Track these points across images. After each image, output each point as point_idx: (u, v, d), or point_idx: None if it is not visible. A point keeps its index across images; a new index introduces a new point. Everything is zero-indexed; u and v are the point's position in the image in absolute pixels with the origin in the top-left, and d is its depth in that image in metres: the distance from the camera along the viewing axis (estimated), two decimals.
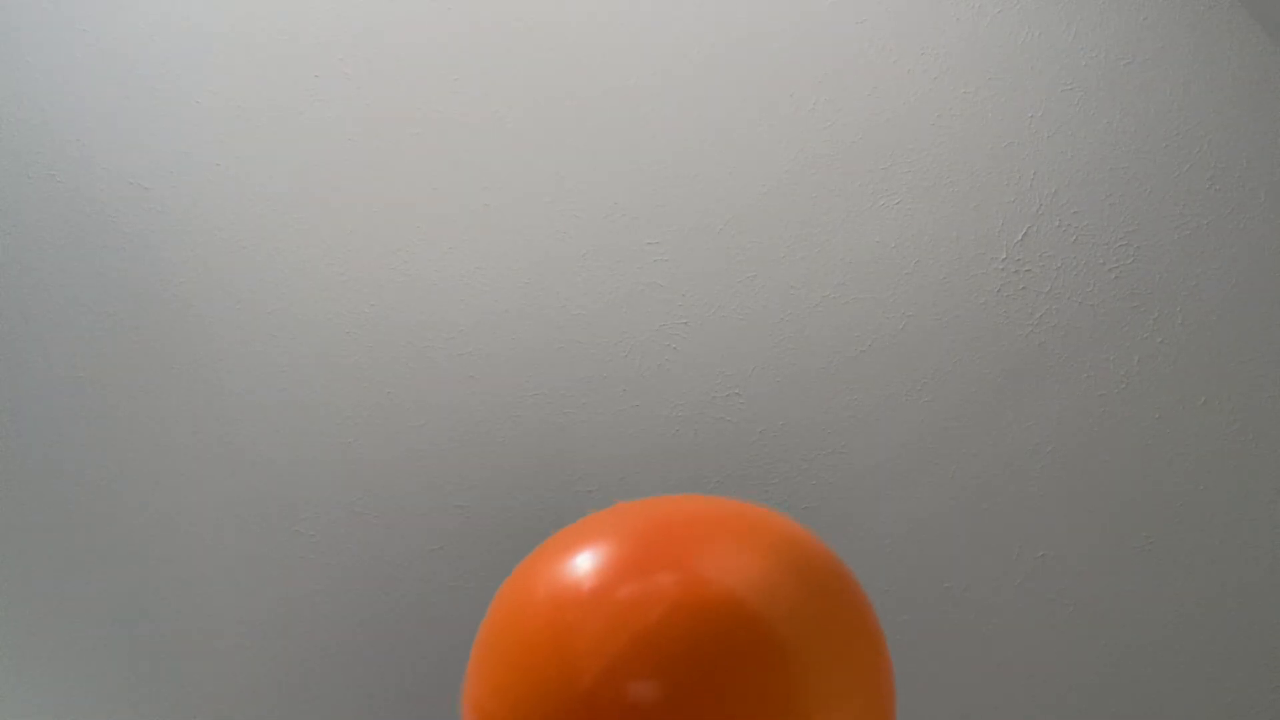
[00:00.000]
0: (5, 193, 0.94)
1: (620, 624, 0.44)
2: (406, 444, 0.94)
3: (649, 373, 0.93)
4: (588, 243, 0.93)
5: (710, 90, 0.93)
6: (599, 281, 0.94)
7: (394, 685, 0.94)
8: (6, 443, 0.94)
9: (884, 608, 0.91)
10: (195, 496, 0.94)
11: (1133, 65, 0.91)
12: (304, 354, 0.94)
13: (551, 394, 0.94)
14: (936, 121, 0.92)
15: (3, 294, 0.94)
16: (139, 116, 0.94)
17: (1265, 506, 0.90)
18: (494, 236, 0.94)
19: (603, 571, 0.47)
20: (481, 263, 0.94)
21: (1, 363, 0.94)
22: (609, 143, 0.94)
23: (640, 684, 0.43)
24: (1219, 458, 0.90)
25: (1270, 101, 0.90)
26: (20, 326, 0.94)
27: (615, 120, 0.94)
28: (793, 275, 0.93)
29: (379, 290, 0.94)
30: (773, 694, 0.44)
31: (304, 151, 0.94)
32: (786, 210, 0.93)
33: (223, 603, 0.94)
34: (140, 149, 0.94)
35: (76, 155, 0.94)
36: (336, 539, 0.94)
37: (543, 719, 0.45)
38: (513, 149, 0.94)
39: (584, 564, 0.48)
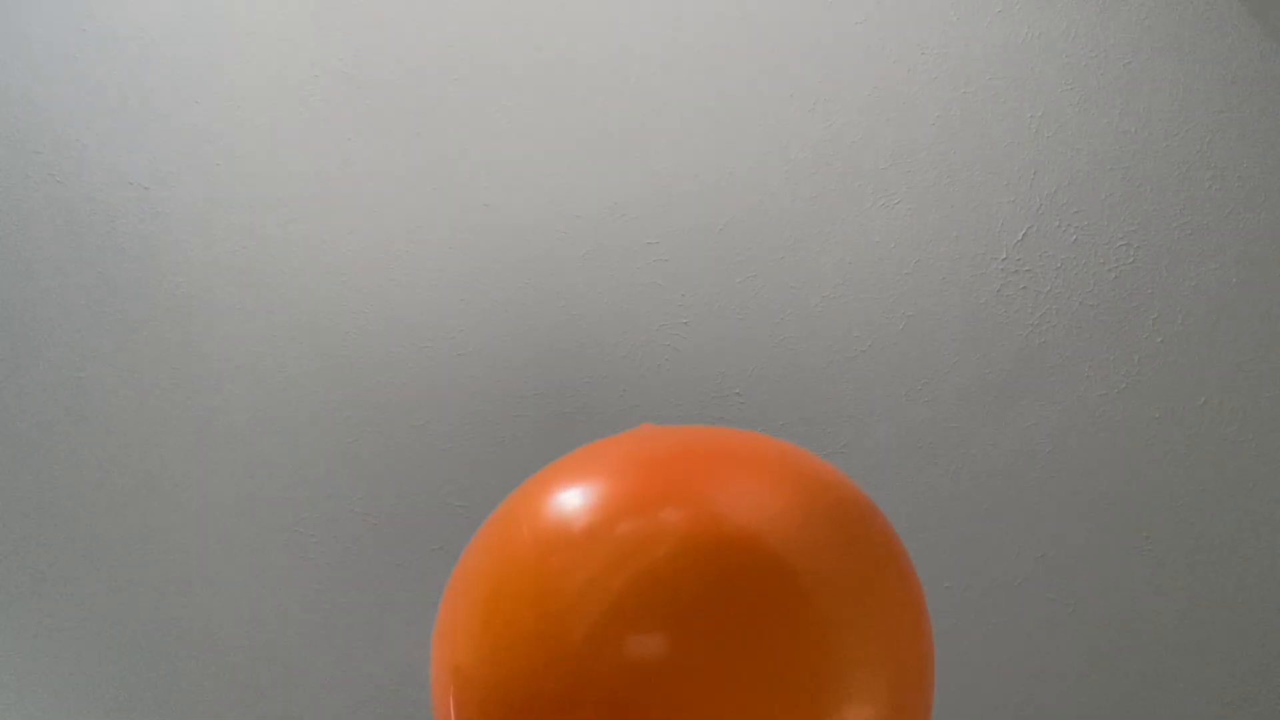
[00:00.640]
0: (5, 193, 0.94)
1: (617, 565, 0.38)
2: (406, 444, 0.94)
3: (649, 373, 0.93)
4: (588, 243, 0.93)
5: (710, 90, 0.93)
6: (599, 281, 0.94)
7: (394, 685, 0.94)
8: (6, 443, 0.94)
9: None
10: (195, 496, 0.94)
11: (1133, 65, 0.91)
12: (304, 354, 0.94)
13: (551, 394, 0.94)
14: (936, 121, 0.92)
15: (2, 294, 0.94)
16: (139, 116, 0.94)
17: (1265, 506, 0.90)
18: (494, 236, 0.94)
19: (598, 506, 0.40)
20: (481, 263, 0.94)
21: (1, 362, 0.94)
22: (609, 143, 0.94)
23: (641, 635, 0.37)
24: (1219, 458, 0.90)
25: (1270, 101, 0.90)
26: (20, 326, 0.94)
27: (615, 120, 0.94)
28: (793, 275, 0.93)
29: (379, 290, 0.94)
30: (796, 647, 0.39)
31: (304, 152, 0.94)
32: (786, 210, 0.93)
33: (222, 602, 0.94)
34: (140, 149, 0.94)
35: (76, 155, 0.94)
36: (336, 539, 0.94)
37: (528, 677, 0.38)
38: (513, 149, 0.94)
39: (576, 498, 0.41)
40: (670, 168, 0.93)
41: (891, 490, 0.93)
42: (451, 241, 0.94)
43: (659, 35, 0.93)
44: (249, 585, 0.94)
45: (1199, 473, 0.91)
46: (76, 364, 0.94)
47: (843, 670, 0.39)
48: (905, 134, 0.92)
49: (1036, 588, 0.92)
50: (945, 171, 0.92)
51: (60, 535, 0.94)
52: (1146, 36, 0.91)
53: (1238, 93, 0.90)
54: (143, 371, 0.94)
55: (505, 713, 0.39)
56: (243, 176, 0.94)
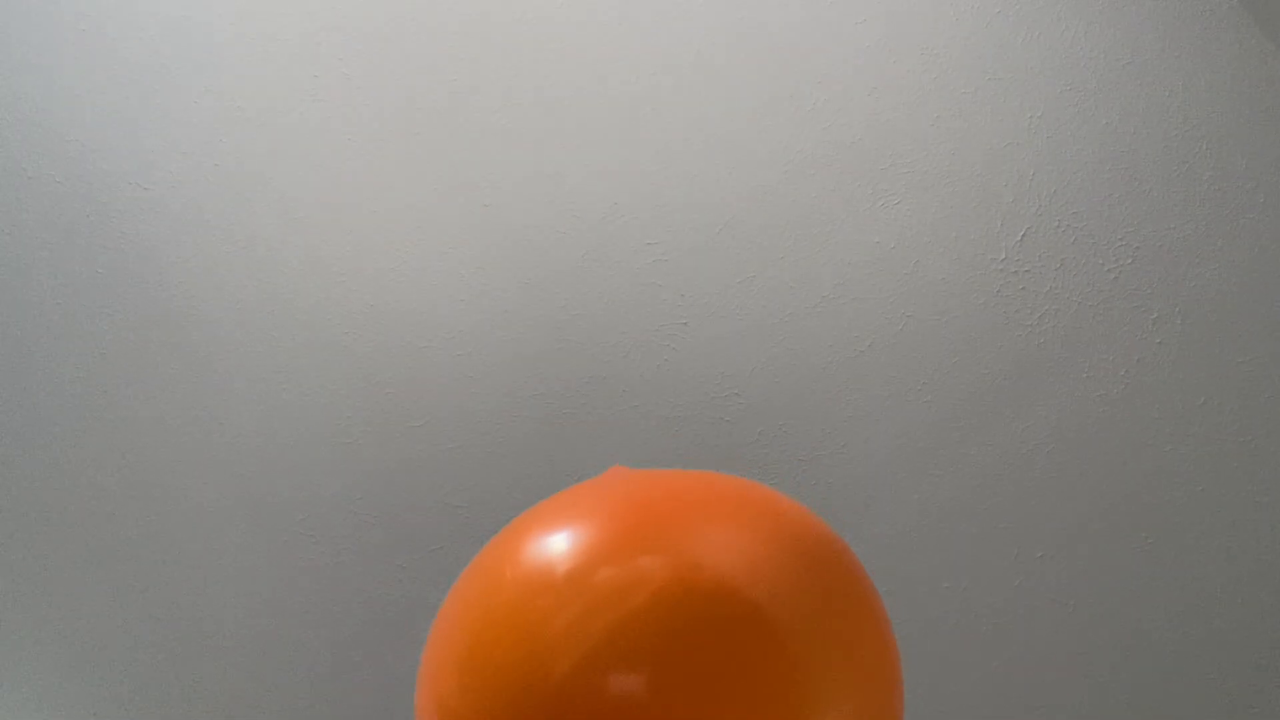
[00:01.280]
0: (5, 193, 0.94)
1: (597, 610, 0.39)
2: (406, 444, 0.94)
3: (649, 373, 0.93)
4: (588, 243, 0.93)
5: (710, 91, 0.93)
6: (599, 281, 0.94)
7: (394, 686, 0.94)
8: (7, 442, 0.94)
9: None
10: (195, 496, 0.94)
11: (1133, 65, 0.91)
12: (304, 354, 0.94)
13: (551, 394, 0.94)
14: (936, 121, 0.92)
15: (2, 294, 0.94)
16: (139, 116, 0.94)
17: (1265, 506, 0.90)
18: (494, 237, 0.94)
19: (579, 552, 0.41)
20: (481, 263, 0.94)
21: (2, 362, 0.94)
22: (609, 143, 0.94)
23: (620, 677, 0.38)
24: (1219, 458, 0.90)
25: (1270, 101, 0.90)
26: (20, 326, 0.94)
27: (615, 121, 0.94)
28: (793, 275, 0.93)
29: (379, 290, 0.94)
30: (768, 688, 0.40)
31: (304, 152, 0.94)
32: (786, 210, 0.93)
33: (223, 602, 0.94)
34: (140, 149, 0.94)
35: (76, 155, 0.94)
36: (336, 539, 0.94)
37: (510, 715, 0.40)
38: (513, 149, 0.94)
39: (557, 544, 0.42)
40: (670, 169, 0.93)
41: (891, 490, 0.93)
42: (452, 242, 0.94)
43: (659, 36, 0.93)
44: (249, 585, 0.94)
45: (1199, 473, 0.91)
46: (76, 364, 0.94)
47: (814, 708, 0.41)
48: (905, 134, 0.92)
49: (1036, 588, 0.92)
50: (945, 171, 0.92)
51: (60, 535, 0.94)
52: (1146, 37, 0.91)
53: (1237, 93, 0.90)
54: (142, 371, 0.94)
55: None
56: (242, 177, 0.94)
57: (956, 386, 0.92)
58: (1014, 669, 0.92)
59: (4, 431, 0.94)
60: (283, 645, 0.94)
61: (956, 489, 0.92)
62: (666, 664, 0.39)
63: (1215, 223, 0.90)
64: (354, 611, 0.94)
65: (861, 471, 0.92)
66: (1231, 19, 0.90)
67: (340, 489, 0.94)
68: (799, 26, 0.93)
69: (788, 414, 0.93)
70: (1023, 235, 0.92)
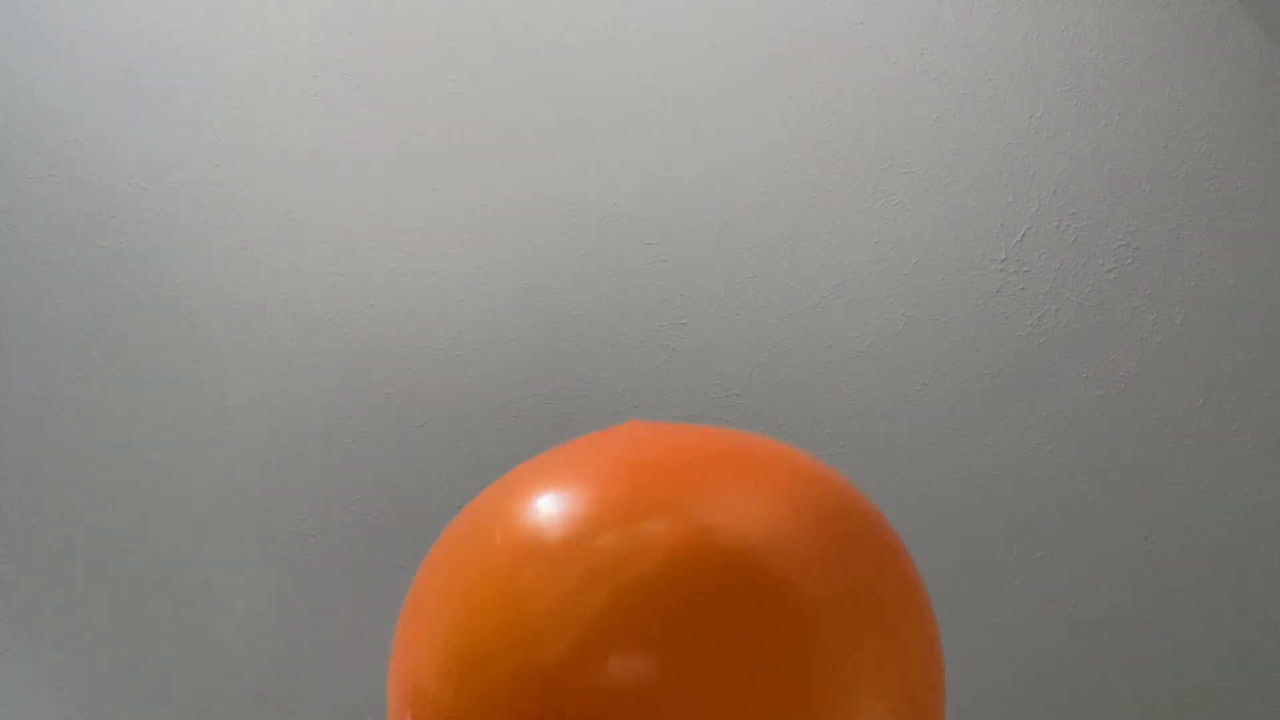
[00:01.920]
0: (4, 193, 0.94)
1: (598, 579, 0.34)
2: (406, 445, 0.94)
3: (649, 373, 0.93)
4: (588, 243, 0.93)
5: (710, 91, 0.93)
6: (599, 282, 0.94)
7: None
8: (5, 444, 0.94)
9: None
10: (195, 496, 0.94)
11: (1133, 65, 0.91)
12: (303, 354, 0.94)
13: (551, 394, 0.94)
14: (936, 121, 0.92)
15: (2, 293, 0.94)
16: (139, 116, 0.94)
17: (1265, 507, 0.90)
18: (494, 237, 0.94)
19: (579, 514, 0.36)
20: (481, 263, 0.94)
21: (0, 362, 0.94)
22: (609, 143, 0.94)
23: (622, 657, 0.34)
24: (1219, 458, 0.90)
25: (1270, 101, 0.90)
26: (19, 326, 0.94)
27: (615, 120, 0.94)
28: (793, 275, 0.93)
29: (378, 290, 0.94)
30: (791, 670, 0.35)
31: (303, 152, 0.94)
32: (786, 210, 0.93)
33: (223, 603, 0.94)
34: (140, 149, 0.94)
35: (76, 155, 0.94)
36: (336, 539, 0.94)
37: (496, 701, 0.35)
38: (512, 149, 0.94)
39: (554, 505, 0.37)
40: (670, 168, 0.93)
41: (891, 490, 0.93)
42: (451, 242, 0.94)
43: (659, 37, 0.93)
44: (249, 585, 0.94)
45: (1198, 473, 0.91)
46: (76, 363, 0.94)
47: (844, 697, 0.35)
48: (905, 134, 0.92)
49: (1036, 588, 0.92)
50: (945, 171, 0.92)
51: (60, 535, 0.94)
52: (1146, 36, 0.91)
53: (1237, 93, 0.90)
54: (143, 371, 0.94)
55: None
56: (242, 177, 0.94)
57: (956, 386, 0.92)
58: (1014, 669, 0.92)
59: (2, 431, 0.94)
60: (283, 645, 0.94)
61: (956, 489, 0.92)
62: (674, 641, 0.34)
63: (1215, 223, 0.90)
64: (354, 611, 0.94)
65: (862, 471, 0.92)
66: (1231, 19, 0.90)
67: (340, 489, 0.94)
68: (798, 27, 0.93)
69: (788, 414, 0.93)
70: (1023, 235, 0.92)
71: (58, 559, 0.94)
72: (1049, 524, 0.92)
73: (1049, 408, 0.92)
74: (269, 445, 0.94)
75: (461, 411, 0.94)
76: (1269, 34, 0.90)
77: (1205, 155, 0.90)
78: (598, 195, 0.94)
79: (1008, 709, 0.92)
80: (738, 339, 0.93)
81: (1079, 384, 0.92)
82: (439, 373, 0.93)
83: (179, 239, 0.94)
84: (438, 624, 0.38)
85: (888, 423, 0.93)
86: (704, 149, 0.93)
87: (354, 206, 0.94)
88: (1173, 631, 0.91)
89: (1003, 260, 0.92)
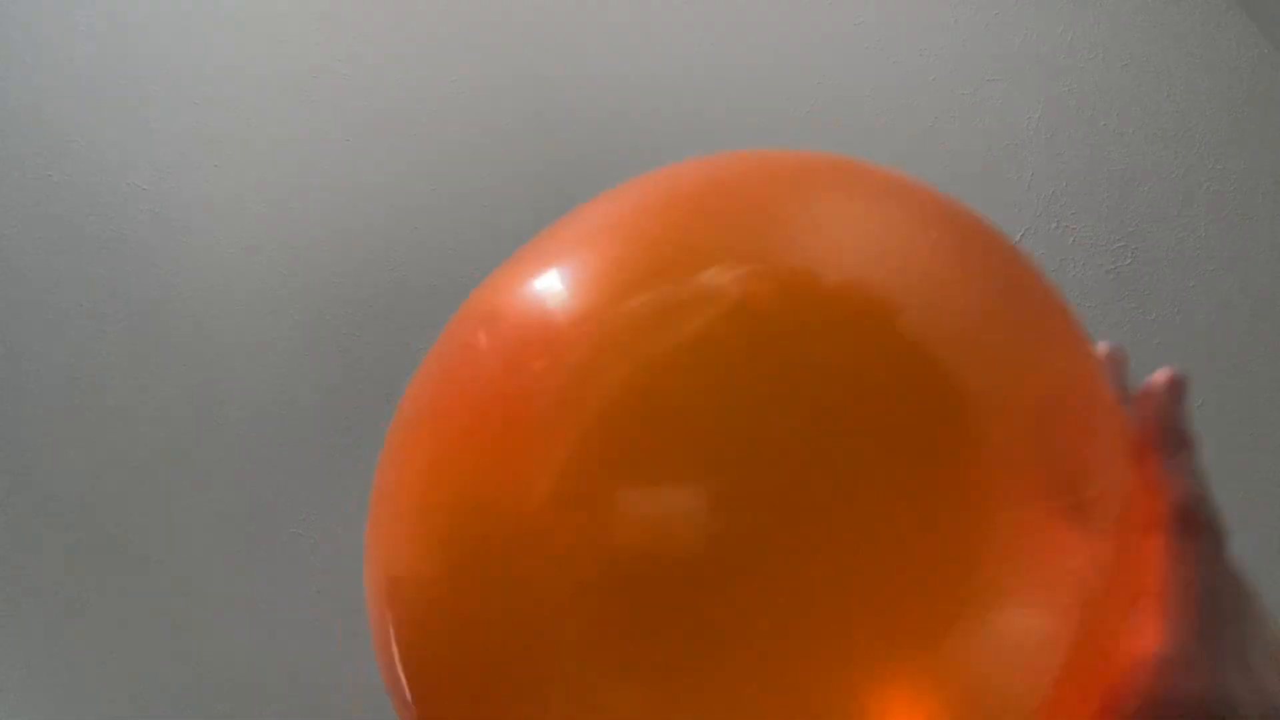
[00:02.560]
0: (4, 192, 0.94)
1: (618, 351, 0.21)
2: None
3: None
4: None
5: (710, 91, 0.93)
6: None
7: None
8: (5, 444, 0.94)
9: None
10: (195, 496, 0.94)
11: (1133, 65, 0.91)
12: (303, 355, 0.94)
13: None
14: (936, 122, 0.92)
15: (1, 293, 0.94)
16: (139, 116, 0.94)
17: (1266, 507, 0.90)
18: (493, 237, 0.94)
19: (590, 282, 0.23)
20: (480, 264, 0.94)
21: (0, 361, 0.94)
22: (608, 143, 0.94)
23: (650, 477, 0.20)
24: (1218, 458, 0.90)
25: (1270, 101, 0.90)
26: (19, 326, 0.94)
27: (615, 121, 0.94)
28: None
29: (378, 290, 0.94)
30: (935, 458, 0.21)
31: (303, 152, 0.94)
32: None
33: (223, 602, 0.94)
34: (140, 149, 0.94)
35: (76, 155, 0.94)
36: (336, 539, 0.94)
37: (482, 575, 0.22)
38: (512, 150, 0.94)
39: (556, 281, 0.24)
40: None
41: None
42: (451, 242, 0.94)
43: (658, 37, 0.93)
44: (249, 585, 0.94)
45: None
46: (76, 364, 0.94)
47: (998, 472, 0.21)
48: (905, 135, 0.92)
49: None
50: (944, 172, 0.92)
51: (60, 535, 0.94)
52: (1146, 37, 0.91)
53: (1236, 95, 0.90)
54: (142, 371, 0.94)
55: (462, 645, 0.22)
56: (242, 177, 0.94)
57: None
58: None
59: (2, 429, 0.94)
60: (283, 645, 0.94)
61: None
62: (743, 441, 0.19)
63: (1215, 223, 0.90)
64: (354, 611, 0.94)
65: None
66: (1231, 19, 0.90)
67: (340, 489, 0.94)
68: (798, 28, 0.93)
69: None
70: (1022, 235, 0.92)
71: (56, 557, 0.94)
72: None
73: None
74: (268, 445, 0.94)
75: None
76: (1269, 34, 0.90)
77: (1203, 157, 0.90)
78: (597, 195, 0.94)
79: None
80: None
81: None
82: None
83: (179, 239, 0.94)
84: (412, 479, 0.25)
85: None
86: (704, 149, 0.93)
87: (353, 207, 0.94)
88: None
89: None
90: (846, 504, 0.19)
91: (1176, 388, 0.25)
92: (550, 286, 0.24)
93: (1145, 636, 0.20)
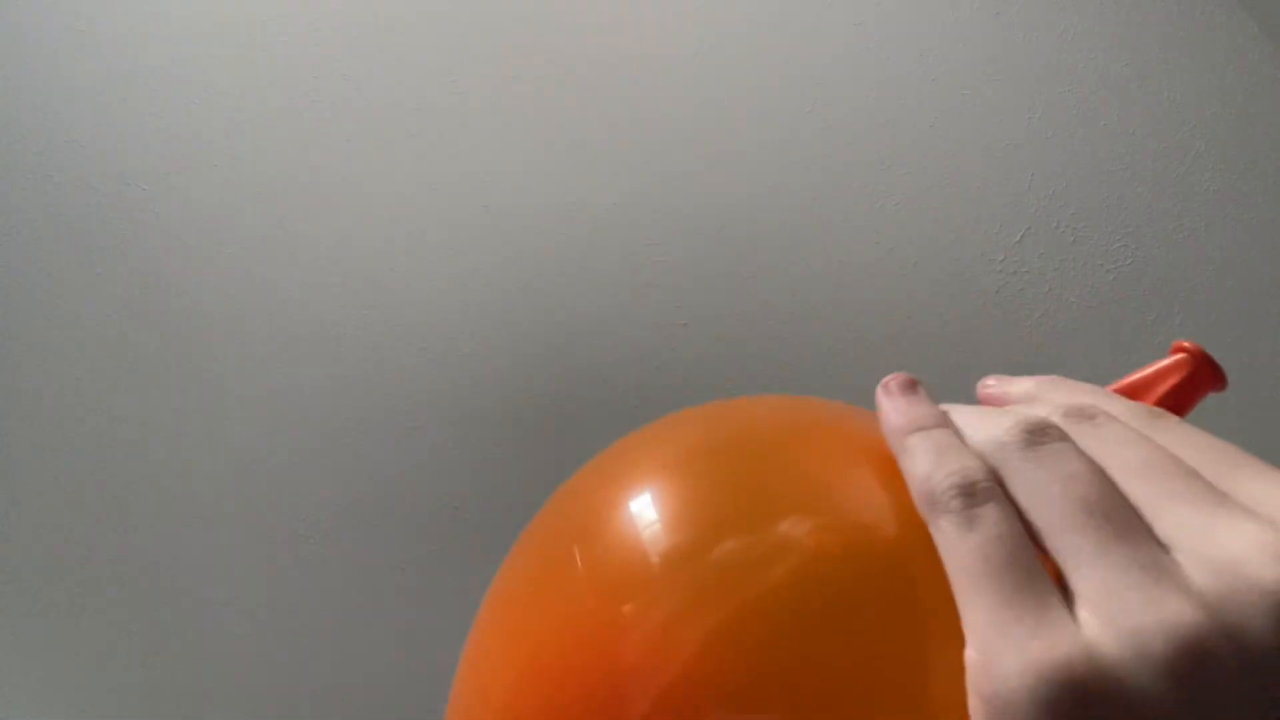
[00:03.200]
0: (4, 193, 0.94)
1: (708, 600, 0.24)
2: (406, 445, 0.94)
3: (649, 373, 0.93)
4: (588, 243, 0.94)
5: (710, 91, 0.93)
6: (599, 282, 0.94)
7: (393, 686, 0.94)
8: (5, 442, 0.94)
9: None
10: (195, 496, 0.94)
11: (1133, 65, 0.91)
12: (303, 354, 0.94)
13: (551, 394, 0.94)
14: (936, 122, 0.92)
15: (2, 293, 0.94)
16: (139, 116, 0.94)
17: None
18: (494, 237, 0.94)
19: (683, 521, 0.26)
20: (481, 263, 0.94)
21: (1, 361, 0.94)
22: (609, 143, 0.94)
23: (732, 711, 0.23)
24: None
25: (1270, 101, 0.90)
26: (19, 326, 0.94)
27: (615, 121, 0.94)
28: (793, 275, 0.93)
29: (378, 290, 0.94)
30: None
31: (303, 152, 0.94)
32: (786, 210, 0.93)
33: (223, 602, 0.94)
34: (140, 149, 0.94)
35: (76, 155, 0.94)
36: (336, 539, 0.94)
37: None
38: (512, 150, 0.94)
39: (648, 512, 0.27)
40: (669, 168, 0.93)
41: None
42: (451, 242, 0.94)
43: (658, 37, 0.93)
44: (250, 585, 0.94)
45: None
46: (76, 364, 0.94)
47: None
48: (905, 134, 0.92)
49: None
50: (945, 172, 0.92)
51: (60, 535, 0.94)
52: (1146, 36, 0.91)
53: (1236, 93, 0.90)
54: (142, 371, 0.94)
55: None
56: (242, 177, 0.94)
57: (956, 386, 0.92)
58: None
59: (3, 430, 0.94)
60: (283, 645, 0.94)
61: None
62: (817, 667, 0.23)
63: (1215, 223, 0.90)
64: (354, 612, 0.94)
65: None
66: (1231, 19, 0.90)
67: (340, 489, 0.94)
68: (798, 27, 0.93)
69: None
70: (1022, 235, 0.92)
71: (57, 557, 0.94)
72: None
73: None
74: (268, 445, 0.94)
75: (462, 411, 0.94)
76: (1269, 34, 0.90)
77: (1205, 155, 0.90)
78: (598, 195, 0.94)
79: None
80: (738, 339, 0.93)
81: None
82: (439, 373, 0.93)
83: (179, 239, 0.94)
84: (503, 687, 0.28)
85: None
86: (703, 150, 0.93)
87: (353, 207, 0.94)
88: None
89: (1002, 260, 0.92)
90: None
91: (887, 388, 0.26)
92: (642, 519, 0.27)
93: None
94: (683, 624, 0.24)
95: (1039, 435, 0.21)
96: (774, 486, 0.27)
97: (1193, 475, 0.19)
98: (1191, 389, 0.28)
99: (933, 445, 0.23)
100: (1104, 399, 0.23)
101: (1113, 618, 0.17)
